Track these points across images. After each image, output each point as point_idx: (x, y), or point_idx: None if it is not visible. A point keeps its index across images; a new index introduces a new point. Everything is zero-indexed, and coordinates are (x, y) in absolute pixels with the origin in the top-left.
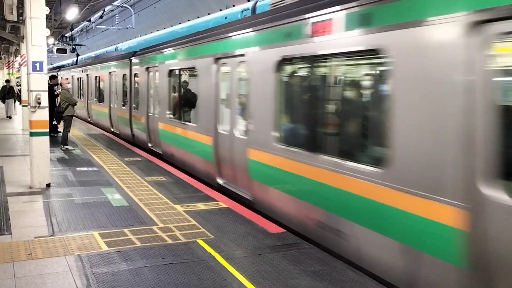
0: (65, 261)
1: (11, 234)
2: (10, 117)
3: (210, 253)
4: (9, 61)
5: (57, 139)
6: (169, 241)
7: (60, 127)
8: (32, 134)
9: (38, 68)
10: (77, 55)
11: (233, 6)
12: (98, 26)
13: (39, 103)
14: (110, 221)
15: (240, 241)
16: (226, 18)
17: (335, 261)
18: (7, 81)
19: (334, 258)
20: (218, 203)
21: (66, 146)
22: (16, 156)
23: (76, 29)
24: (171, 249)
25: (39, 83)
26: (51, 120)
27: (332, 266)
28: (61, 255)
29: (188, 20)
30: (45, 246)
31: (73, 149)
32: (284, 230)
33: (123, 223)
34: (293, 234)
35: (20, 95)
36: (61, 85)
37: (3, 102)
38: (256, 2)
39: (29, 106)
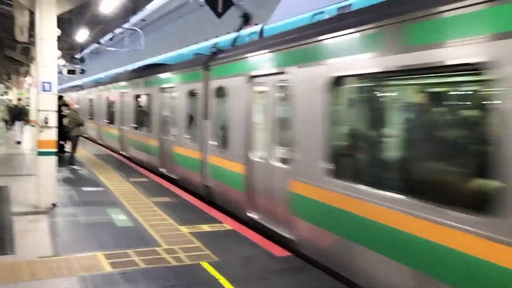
0: (68, 282)
1: (14, 254)
2: (19, 142)
3: (214, 276)
4: (19, 81)
5: (64, 159)
6: (173, 263)
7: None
8: (39, 153)
9: (47, 88)
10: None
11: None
12: (108, 48)
13: (47, 123)
14: (114, 241)
15: (245, 264)
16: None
17: (343, 286)
18: (19, 99)
19: (341, 283)
20: (223, 225)
21: (72, 166)
22: (23, 176)
23: (86, 51)
24: (174, 271)
25: (48, 103)
26: (58, 140)
27: None
28: (64, 276)
29: (196, 43)
30: (48, 266)
31: (80, 169)
32: (290, 254)
33: (127, 244)
34: (300, 258)
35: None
36: (68, 106)
37: (13, 123)
38: (264, 26)
39: (37, 126)
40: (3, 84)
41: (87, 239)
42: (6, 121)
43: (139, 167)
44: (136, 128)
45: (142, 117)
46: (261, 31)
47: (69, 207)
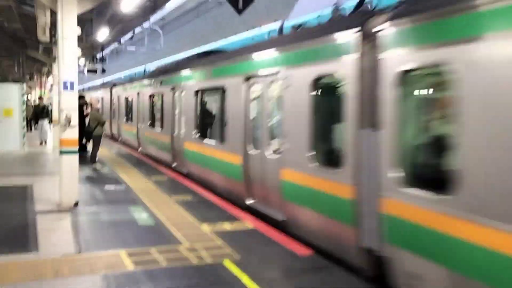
0: (91, 280)
1: (38, 251)
2: (44, 142)
3: (236, 275)
4: (41, 81)
5: (86, 158)
6: (196, 261)
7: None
8: (62, 152)
9: (69, 87)
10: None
11: (260, 26)
12: (128, 48)
13: (69, 122)
14: (136, 240)
15: (267, 263)
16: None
17: (367, 285)
18: (40, 98)
19: (366, 283)
20: (244, 224)
21: (94, 165)
22: (46, 174)
23: (106, 51)
24: (197, 269)
25: (70, 102)
26: (80, 139)
27: None
28: (87, 274)
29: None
30: (71, 264)
31: (101, 168)
32: (313, 253)
33: (149, 242)
34: (323, 257)
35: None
36: (91, 105)
37: (36, 122)
38: (283, 23)
39: (59, 125)
40: (26, 84)
41: (109, 237)
42: (29, 121)
43: (154, 163)
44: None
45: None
46: (281, 28)
47: (91, 205)
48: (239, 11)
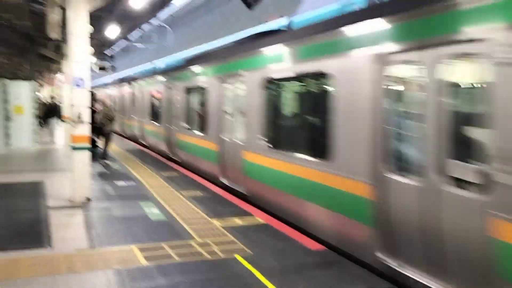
0: (104, 275)
1: (52, 247)
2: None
3: (249, 269)
4: (50, 78)
5: (97, 154)
6: (208, 256)
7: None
8: (74, 148)
9: (80, 84)
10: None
11: (266, 21)
12: (137, 45)
13: (81, 118)
14: (148, 235)
15: (279, 258)
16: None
17: (380, 281)
18: (52, 97)
19: (379, 278)
20: (255, 218)
21: (105, 161)
22: (58, 170)
23: (115, 48)
24: (209, 264)
25: (81, 98)
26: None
27: (376, 286)
28: (100, 269)
29: (223, 37)
30: (85, 259)
31: (112, 164)
32: (325, 248)
33: (161, 237)
34: (335, 252)
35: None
36: (102, 102)
37: (45, 122)
38: (291, 18)
39: (71, 122)
40: (36, 81)
41: (121, 233)
42: (40, 118)
43: (166, 160)
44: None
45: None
46: (289, 25)
47: (103, 201)
48: (250, 6)
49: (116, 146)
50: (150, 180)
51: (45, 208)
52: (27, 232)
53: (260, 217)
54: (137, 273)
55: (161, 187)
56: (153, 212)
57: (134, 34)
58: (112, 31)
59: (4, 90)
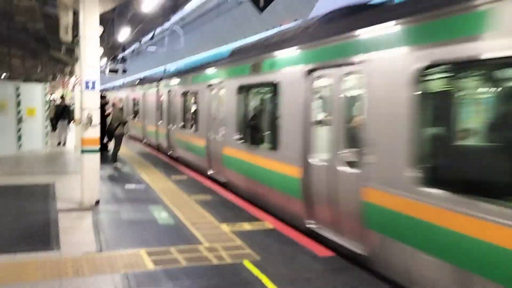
0: (111, 279)
1: (59, 250)
2: (63, 144)
3: (256, 276)
4: (63, 81)
5: (107, 157)
6: (215, 261)
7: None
8: (83, 151)
9: (90, 87)
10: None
11: (280, 25)
12: (148, 48)
13: (91, 121)
14: (156, 239)
15: (287, 264)
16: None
17: (387, 286)
18: (62, 97)
19: (389, 285)
20: (263, 223)
21: (115, 164)
22: (68, 173)
23: (127, 51)
24: (217, 269)
25: (91, 101)
26: (101, 138)
27: None
28: (107, 273)
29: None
30: (92, 263)
31: (122, 167)
32: (333, 254)
33: (169, 242)
34: (343, 259)
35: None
36: (113, 105)
37: (56, 123)
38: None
39: (81, 124)
40: (49, 84)
41: (129, 236)
42: (51, 121)
43: (182, 165)
44: None
45: None
46: None
47: (112, 204)
48: (260, 9)
49: (126, 149)
50: (160, 183)
51: (54, 210)
52: (35, 235)
53: (268, 222)
54: (144, 278)
55: (170, 190)
56: (161, 216)
57: (146, 37)
58: (124, 34)
59: (16, 93)
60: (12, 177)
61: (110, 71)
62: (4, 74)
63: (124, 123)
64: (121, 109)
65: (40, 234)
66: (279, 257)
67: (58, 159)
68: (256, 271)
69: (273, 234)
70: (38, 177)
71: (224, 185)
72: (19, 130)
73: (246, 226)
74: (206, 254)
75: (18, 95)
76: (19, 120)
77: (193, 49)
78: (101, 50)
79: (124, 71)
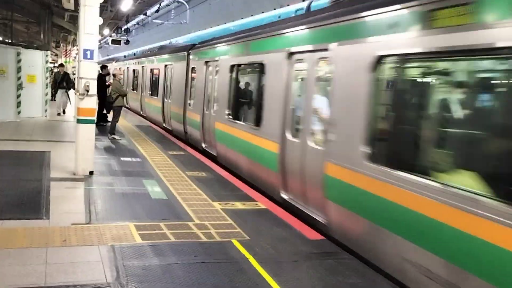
0: (98, 250)
1: (49, 219)
2: (63, 113)
3: (244, 255)
4: (66, 50)
5: (106, 129)
6: (204, 238)
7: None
8: (79, 121)
9: (88, 56)
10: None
11: (288, 5)
12: (154, 20)
13: (88, 91)
14: (147, 213)
15: (276, 245)
16: (279, 17)
17: (375, 275)
18: (61, 65)
19: (374, 271)
20: (257, 204)
21: (113, 136)
22: (65, 142)
23: (132, 23)
24: (204, 247)
25: (89, 71)
26: (101, 109)
27: (371, 280)
28: (94, 244)
29: (242, 18)
30: (80, 233)
31: (120, 139)
32: (323, 237)
33: (159, 217)
34: (333, 243)
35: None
36: (114, 76)
37: (56, 92)
38: (311, 2)
39: (77, 93)
40: (52, 52)
41: (120, 209)
42: (52, 88)
43: (177, 140)
44: None
45: None
46: (309, 7)
47: (106, 176)
48: None
49: (125, 121)
50: (156, 157)
51: (47, 179)
52: (26, 202)
53: (261, 203)
54: (130, 251)
55: (165, 165)
56: (155, 190)
57: (152, 9)
58: (126, 3)
59: (17, 58)
60: (8, 143)
61: (113, 41)
62: (5, 39)
63: (123, 95)
64: (120, 80)
65: (31, 202)
66: (268, 238)
67: (56, 128)
68: (243, 251)
69: (265, 215)
70: (34, 145)
71: (215, 158)
72: (18, 96)
73: (239, 205)
74: (195, 231)
75: (19, 61)
76: (19, 86)
77: (199, 24)
78: (101, 20)
79: (127, 42)
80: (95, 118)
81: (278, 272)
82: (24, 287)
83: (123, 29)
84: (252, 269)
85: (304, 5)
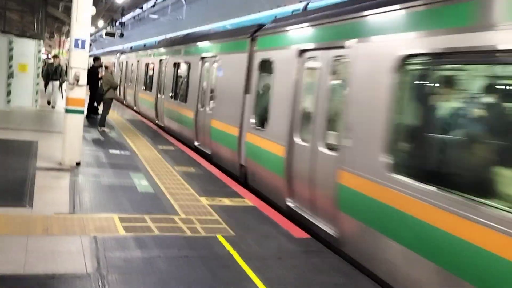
0: (80, 240)
1: (32, 207)
2: (52, 106)
3: (228, 251)
4: (60, 41)
5: (96, 120)
6: (189, 233)
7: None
8: (67, 111)
9: (80, 46)
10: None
11: (284, 5)
12: (150, 15)
13: (78, 81)
14: (132, 206)
15: (261, 242)
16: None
17: (359, 275)
18: (55, 56)
19: (358, 271)
20: (244, 200)
21: (103, 128)
22: (54, 133)
23: (127, 16)
24: (189, 241)
25: (80, 60)
26: (93, 101)
27: (355, 280)
28: (77, 234)
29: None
30: (62, 223)
31: (109, 132)
32: (309, 236)
33: (145, 210)
34: (319, 242)
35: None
36: (105, 68)
37: (47, 83)
38: (308, 3)
39: (67, 83)
40: (45, 42)
41: (105, 201)
42: (44, 80)
43: (170, 136)
44: None
45: None
46: (305, 8)
47: (93, 167)
48: None
49: (116, 115)
50: (145, 151)
51: (33, 168)
52: (10, 190)
53: (249, 199)
54: (113, 243)
55: (154, 159)
56: (142, 183)
57: (148, 4)
58: None
59: (9, 47)
60: None
61: (107, 34)
62: None
63: (114, 87)
64: (111, 72)
65: (15, 190)
66: (254, 235)
67: (46, 118)
68: (228, 247)
69: (252, 212)
70: (22, 134)
71: (208, 156)
72: (9, 85)
73: (226, 202)
74: (180, 225)
75: (10, 49)
76: (10, 75)
77: (196, 21)
78: (94, 10)
79: (121, 35)
80: (84, 108)
81: (262, 269)
82: (2, 274)
83: (118, 22)
84: (236, 265)
85: (301, 6)
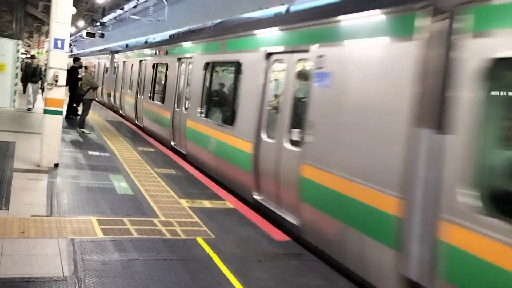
0: (56, 243)
1: (8, 209)
2: (29, 109)
3: (208, 253)
4: (39, 41)
5: (76, 121)
6: (168, 235)
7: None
8: (46, 111)
9: (59, 46)
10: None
11: (266, 8)
12: (131, 16)
13: (56, 81)
14: (111, 208)
15: (241, 245)
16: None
17: (338, 278)
18: (32, 56)
19: (338, 274)
20: (225, 203)
21: (82, 129)
22: (32, 134)
23: (109, 17)
24: (168, 244)
25: (59, 61)
26: (72, 102)
27: (335, 283)
28: (54, 237)
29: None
30: (39, 225)
31: (89, 133)
32: (290, 239)
33: (123, 212)
34: (299, 244)
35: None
36: (85, 68)
37: (25, 86)
38: (290, 6)
39: (46, 83)
40: (24, 42)
41: (84, 203)
42: (23, 82)
43: (150, 137)
44: None
45: None
46: (287, 12)
47: (72, 169)
48: None
49: (96, 116)
50: (125, 153)
51: (10, 169)
52: None
53: (229, 202)
54: (91, 245)
55: (134, 161)
56: (121, 185)
57: (130, 5)
58: None
59: None
60: None
61: (87, 34)
62: None
63: (94, 88)
64: (92, 73)
65: None
66: (234, 237)
67: (24, 119)
68: (208, 249)
69: (232, 214)
70: (0, 135)
71: (184, 156)
72: None
73: (206, 204)
74: (160, 227)
75: None
76: None
77: (178, 22)
78: (74, 10)
79: (102, 36)
80: (63, 109)
81: (241, 272)
82: None
83: (98, 22)
84: (216, 268)
85: (283, 8)
